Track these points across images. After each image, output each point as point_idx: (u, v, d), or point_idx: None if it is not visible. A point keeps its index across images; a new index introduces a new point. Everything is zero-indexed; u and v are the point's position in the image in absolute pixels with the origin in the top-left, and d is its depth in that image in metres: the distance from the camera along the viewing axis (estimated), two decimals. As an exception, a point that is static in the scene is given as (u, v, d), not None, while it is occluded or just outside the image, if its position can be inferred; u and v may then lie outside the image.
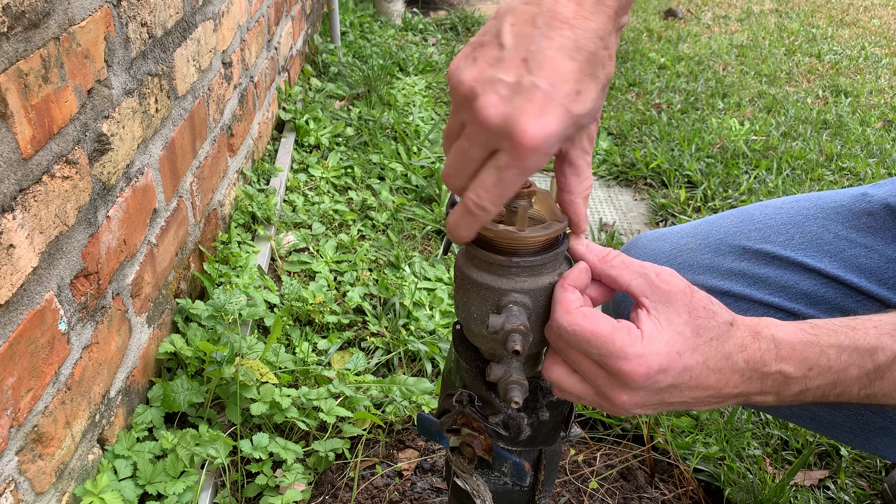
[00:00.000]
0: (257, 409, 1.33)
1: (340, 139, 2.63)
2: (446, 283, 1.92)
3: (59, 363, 1.04)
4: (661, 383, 0.55)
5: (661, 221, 2.44)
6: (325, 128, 2.62)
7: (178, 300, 1.54)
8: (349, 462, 1.38)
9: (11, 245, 0.89)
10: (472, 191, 0.55)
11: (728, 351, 0.57)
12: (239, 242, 1.87)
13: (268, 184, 2.19)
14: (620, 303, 1.04)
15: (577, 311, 0.56)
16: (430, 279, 1.93)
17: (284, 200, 2.21)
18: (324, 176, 2.37)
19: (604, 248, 0.61)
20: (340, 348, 1.66)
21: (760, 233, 0.97)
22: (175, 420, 1.37)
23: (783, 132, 3.09)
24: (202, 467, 1.27)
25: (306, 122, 2.60)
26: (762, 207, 1.01)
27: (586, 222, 0.64)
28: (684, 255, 1.00)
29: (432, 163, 2.52)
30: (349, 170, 2.45)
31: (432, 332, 1.72)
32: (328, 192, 2.32)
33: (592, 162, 0.65)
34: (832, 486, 1.40)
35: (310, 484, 1.32)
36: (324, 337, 1.68)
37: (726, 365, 0.56)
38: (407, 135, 2.71)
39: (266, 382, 1.37)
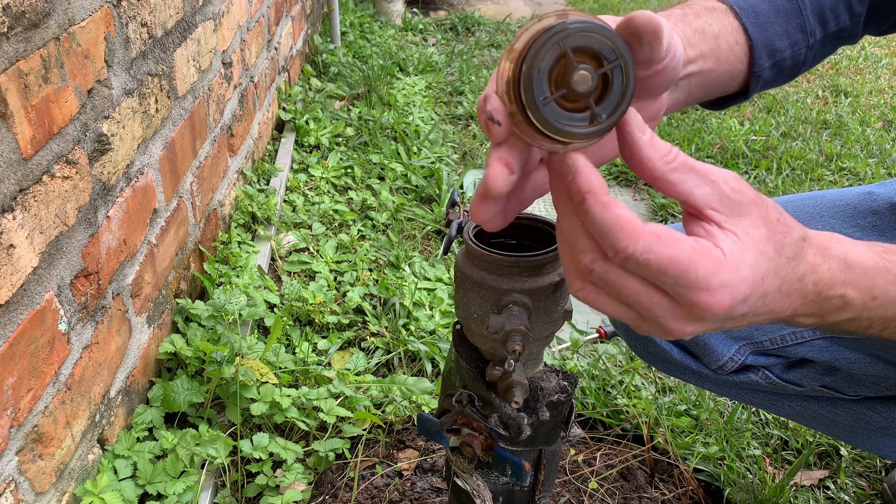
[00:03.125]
0: (257, 409, 1.33)
1: (340, 139, 2.63)
2: (446, 283, 1.92)
3: (59, 363, 1.04)
4: (737, 313, 0.47)
5: (662, 221, 2.44)
6: (325, 128, 2.62)
7: (178, 300, 1.54)
8: (349, 462, 1.38)
9: (11, 245, 0.89)
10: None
11: (802, 273, 0.49)
12: (239, 242, 1.87)
13: (268, 184, 2.19)
14: None
15: (648, 232, 0.44)
16: (430, 279, 1.93)
17: (284, 200, 2.21)
18: (324, 176, 2.37)
19: (666, 143, 0.47)
20: (340, 348, 1.66)
21: None
22: (175, 420, 1.37)
23: (783, 132, 3.09)
24: (202, 467, 1.27)
25: (306, 122, 2.60)
26: None
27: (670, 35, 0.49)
28: None
29: (432, 163, 2.52)
30: (349, 170, 2.45)
31: (432, 332, 1.72)
32: (328, 192, 2.32)
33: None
34: (832, 486, 1.40)
35: (310, 484, 1.32)
36: (324, 337, 1.68)
37: (797, 288, 0.49)
38: (407, 135, 2.71)
39: (266, 382, 1.37)
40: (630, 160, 0.47)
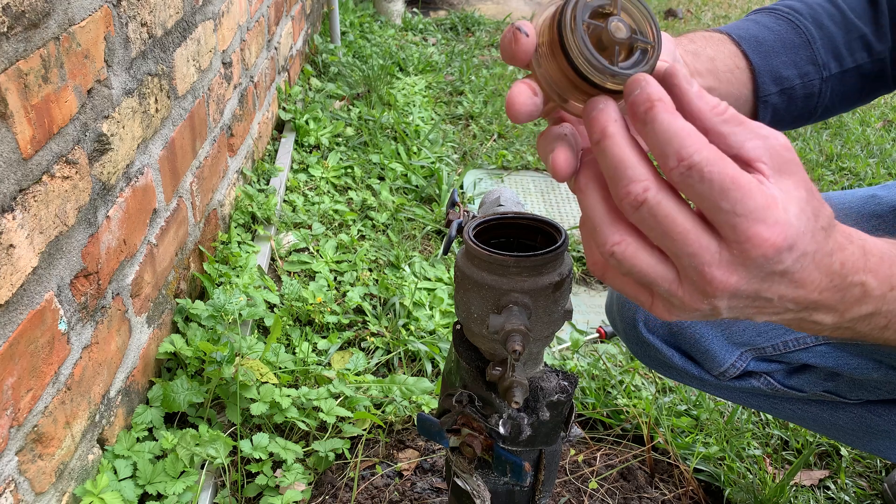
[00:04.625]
0: (257, 409, 1.33)
1: (340, 139, 2.63)
2: (446, 283, 1.91)
3: (58, 363, 1.04)
4: (781, 265, 0.45)
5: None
6: (325, 128, 2.62)
7: (178, 300, 1.54)
8: (349, 462, 1.38)
9: (11, 245, 0.89)
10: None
11: (831, 248, 0.48)
12: (239, 242, 1.87)
13: (268, 184, 2.19)
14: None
15: (713, 148, 0.43)
16: (430, 279, 1.93)
17: (284, 200, 2.21)
18: (324, 176, 2.37)
19: (712, 96, 0.46)
20: (340, 348, 1.66)
21: None
22: (175, 420, 1.37)
23: (783, 132, 3.08)
24: (202, 467, 1.27)
25: (306, 122, 2.60)
26: None
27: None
28: None
29: (432, 163, 2.52)
30: (349, 170, 2.45)
31: (432, 332, 1.72)
32: (328, 192, 2.32)
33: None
34: (832, 486, 1.40)
35: (310, 484, 1.32)
36: (324, 337, 1.68)
37: (826, 263, 0.48)
38: (407, 135, 2.71)
39: (266, 382, 1.37)
40: (680, 114, 0.45)
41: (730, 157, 0.44)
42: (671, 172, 0.44)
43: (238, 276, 1.69)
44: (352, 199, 2.31)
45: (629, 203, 0.45)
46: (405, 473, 1.38)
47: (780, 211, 0.43)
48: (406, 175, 2.46)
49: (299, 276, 1.91)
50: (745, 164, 0.44)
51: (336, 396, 1.43)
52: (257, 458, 1.29)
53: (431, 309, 1.80)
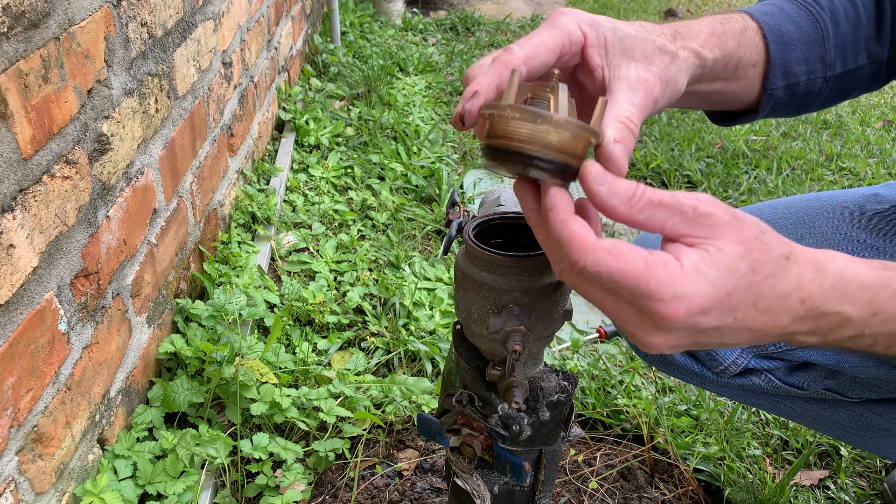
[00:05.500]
0: (257, 409, 1.33)
1: (340, 139, 2.63)
2: (446, 283, 1.91)
3: (59, 363, 1.04)
4: (701, 325, 0.48)
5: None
6: (325, 128, 2.62)
7: (178, 300, 1.54)
8: (349, 462, 1.38)
9: (11, 245, 0.89)
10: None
11: (784, 290, 0.49)
12: (239, 242, 1.87)
13: (268, 184, 2.19)
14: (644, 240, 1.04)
15: (598, 247, 0.47)
16: (430, 279, 1.93)
17: (284, 200, 2.21)
18: (324, 176, 2.37)
19: (629, 184, 0.49)
20: (340, 348, 1.66)
21: None
22: (175, 420, 1.37)
23: (783, 132, 3.09)
24: (202, 467, 1.27)
25: (306, 122, 2.60)
26: (771, 206, 1.01)
27: (616, 161, 0.52)
28: None
29: (432, 163, 2.52)
30: (349, 170, 2.45)
31: (432, 332, 1.72)
32: (328, 192, 2.32)
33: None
34: (832, 486, 1.40)
35: (310, 484, 1.32)
36: (324, 337, 1.68)
37: (779, 305, 0.49)
38: (407, 135, 2.71)
39: (266, 382, 1.37)
40: (597, 209, 0.51)
41: (661, 235, 0.49)
42: (570, 275, 0.50)
43: (238, 276, 1.69)
44: (352, 199, 2.31)
45: (564, 276, 0.52)
46: (405, 473, 1.39)
47: (682, 284, 0.46)
48: (406, 175, 2.46)
49: (299, 276, 1.91)
50: (671, 240, 0.49)
51: (336, 396, 1.43)
52: (257, 458, 1.29)
53: (431, 309, 1.80)
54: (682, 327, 0.47)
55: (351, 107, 2.90)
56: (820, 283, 0.51)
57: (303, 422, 1.37)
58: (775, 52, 0.73)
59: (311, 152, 2.53)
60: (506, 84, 0.54)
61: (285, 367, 1.49)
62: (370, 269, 1.96)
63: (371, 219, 2.21)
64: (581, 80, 0.63)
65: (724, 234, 0.48)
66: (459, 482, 0.79)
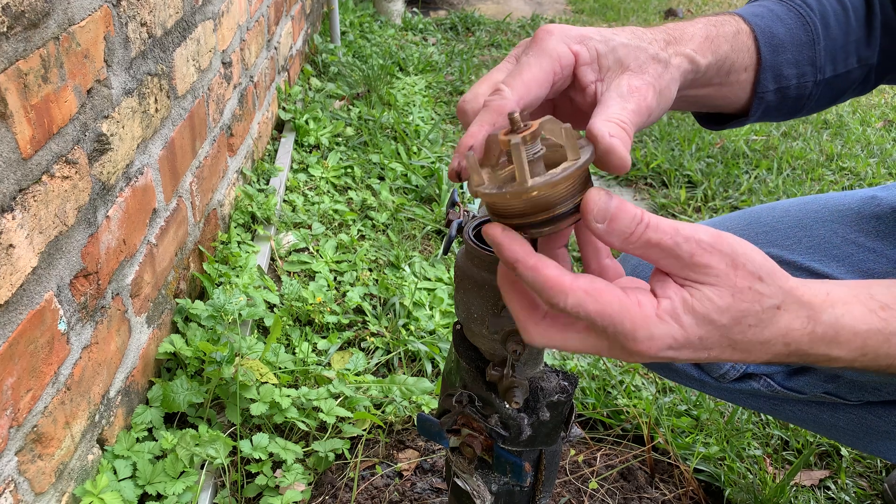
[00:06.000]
0: (257, 409, 1.32)
1: (340, 139, 2.63)
2: (446, 283, 1.91)
3: (58, 363, 1.04)
4: (675, 357, 0.50)
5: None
6: (324, 128, 2.62)
7: (177, 300, 1.54)
8: (349, 462, 1.38)
9: (11, 245, 0.89)
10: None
11: (767, 338, 0.50)
12: (239, 242, 1.87)
13: (267, 184, 2.19)
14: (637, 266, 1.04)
15: (576, 287, 0.48)
16: (430, 279, 1.93)
17: (284, 200, 2.21)
18: (324, 176, 2.37)
19: (629, 221, 0.48)
20: (340, 348, 1.66)
21: (767, 236, 0.96)
22: (175, 420, 1.37)
23: (783, 132, 3.09)
24: (202, 467, 1.27)
25: (306, 122, 2.60)
26: (769, 209, 1.01)
27: (616, 152, 0.50)
28: None
29: (432, 163, 2.52)
30: (349, 170, 2.45)
31: (432, 332, 1.72)
32: (328, 192, 2.31)
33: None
34: (833, 486, 1.39)
35: (310, 484, 1.32)
36: (324, 337, 1.67)
37: (759, 348, 0.51)
38: (407, 135, 2.71)
39: (266, 383, 1.37)
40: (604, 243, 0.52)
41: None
42: (554, 310, 0.50)
43: (238, 276, 1.69)
44: (352, 198, 2.30)
45: (533, 336, 0.53)
46: (405, 474, 1.38)
47: (657, 326, 0.47)
48: (406, 175, 2.46)
49: (299, 276, 1.91)
50: (663, 274, 0.50)
51: (336, 396, 1.43)
52: (257, 458, 1.29)
53: (431, 309, 1.80)
54: (656, 357, 0.49)
55: (351, 107, 2.90)
56: (810, 330, 0.51)
57: (303, 422, 1.37)
58: (767, 55, 0.72)
59: (310, 152, 2.52)
60: (499, 127, 0.53)
61: (285, 368, 1.49)
62: (370, 269, 1.96)
63: (371, 219, 2.21)
64: (572, 95, 0.61)
65: (716, 284, 0.48)
66: (459, 482, 0.79)
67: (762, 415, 1.55)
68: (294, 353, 1.57)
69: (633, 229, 0.48)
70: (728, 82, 0.71)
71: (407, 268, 1.96)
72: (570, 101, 0.62)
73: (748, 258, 0.49)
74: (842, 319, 0.52)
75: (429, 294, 1.85)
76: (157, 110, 1.37)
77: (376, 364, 1.63)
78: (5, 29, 0.84)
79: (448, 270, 1.97)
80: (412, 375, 1.58)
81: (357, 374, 1.53)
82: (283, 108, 2.64)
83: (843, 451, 1.48)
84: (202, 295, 1.70)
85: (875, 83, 0.81)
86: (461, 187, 2.49)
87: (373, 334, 1.70)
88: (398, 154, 2.57)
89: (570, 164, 0.48)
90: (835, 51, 0.77)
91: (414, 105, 3.02)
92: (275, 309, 1.71)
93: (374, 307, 1.80)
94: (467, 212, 0.74)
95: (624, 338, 0.48)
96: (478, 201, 2.37)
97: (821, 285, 0.53)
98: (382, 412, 1.47)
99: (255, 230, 1.98)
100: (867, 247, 0.89)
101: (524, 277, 0.49)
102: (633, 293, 0.48)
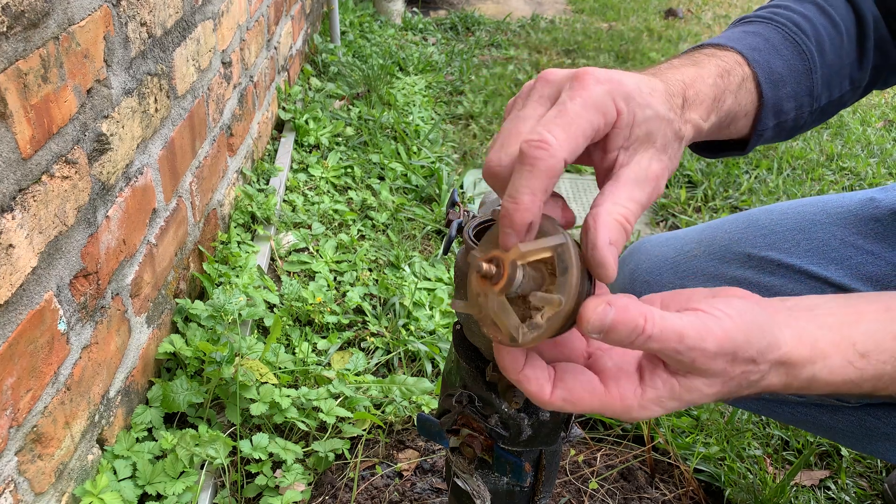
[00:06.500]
0: (257, 409, 1.32)
1: (340, 139, 2.63)
2: (446, 283, 1.91)
3: (58, 363, 1.03)
4: (656, 414, 0.52)
5: (662, 221, 2.44)
6: (324, 127, 2.62)
7: (177, 300, 1.54)
8: (349, 462, 1.38)
9: (11, 245, 0.89)
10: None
11: (746, 393, 0.52)
12: (238, 242, 1.87)
13: (267, 184, 2.19)
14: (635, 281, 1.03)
15: (554, 399, 0.49)
16: (430, 279, 1.93)
17: (284, 200, 2.20)
18: (324, 176, 2.37)
19: (627, 333, 0.45)
20: (340, 348, 1.66)
21: (766, 239, 0.96)
22: (174, 420, 1.37)
23: (783, 132, 3.08)
24: (202, 468, 1.27)
25: (306, 122, 2.60)
26: (768, 212, 1.00)
27: (609, 267, 0.47)
28: (688, 263, 0.99)
29: (432, 163, 2.52)
30: (349, 170, 2.45)
31: (432, 332, 1.72)
32: (328, 191, 2.31)
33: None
34: (833, 487, 1.39)
35: (310, 484, 1.32)
36: (324, 337, 1.67)
37: (736, 395, 0.52)
38: (407, 134, 2.71)
39: (266, 383, 1.37)
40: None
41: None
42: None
43: (238, 276, 1.69)
44: (352, 198, 2.30)
45: None
46: (405, 474, 1.38)
47: (639, 412, 0.49)
48: (406, 175, 2.46)
49: (299, 276, 1.91)
50: (654, 359, 0.50)
51: (336, 397, 1.43)
52: (257, 458, 1.29)
53: (431, 309, 1.80)
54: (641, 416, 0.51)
55: (351, 106, 2.90)
56: (787, 383, 0.52)
57: (302, 422, 1.37)
58: (768, 94, 0.70)
59: (310, 152, 2.52)
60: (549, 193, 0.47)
61: (285, 368, 1.49)
62: (370, 269, 1.96)
63: (371, 219, 2.21)
64: (591, 150, 0.55)
65: (710, 376, 0.48)
66: (459, 483, 0.79)
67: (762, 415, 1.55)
68: (294, 354, 1.57)
69: (633, 340, 0.45)
70: (727, 131, 0.69)
71: (407, 268, 1.96)
72: (587, 154, 0.56)
73: (749, 345, 0.48)
74: (818, 374, 0.52)
75: (429, 294, 1.85)
76: (156, 110, 1.37)
77: (376, 364, 1.63)
78: (5, 29, 0.84)
79: (448, 270, 1.97)
80: (412, 375, 1.58)
81: (357, 374, 1.53)
82: (283, 108, 2.64)
83: (844, 451, 1.48)
84: (202, 295, 1.70)
85: (860, 97, 0.81)
86: (461, 187, 2.49)
87: (373, 334, 1.70)
88: (398, 154, 2.57)
89: (554, 313, 0.45)
90: (830, 77, 0.75)
91: (414, 105, 3.02)
92: (275, 309, 1.71)
93: (374, 307, 1.80)
94: (467, 212, 0.74)
95: (611, 415, 0.50)
96: (478, 201, 2.37)
97: (812, 331, 0.52)
98: (382, 412, 1.47)
99: (255, 230, 1.98)
100: (866, 249, 0.88)
101: (511, 381, 0.51)
102: (615, 386, 0.49)
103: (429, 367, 1.61)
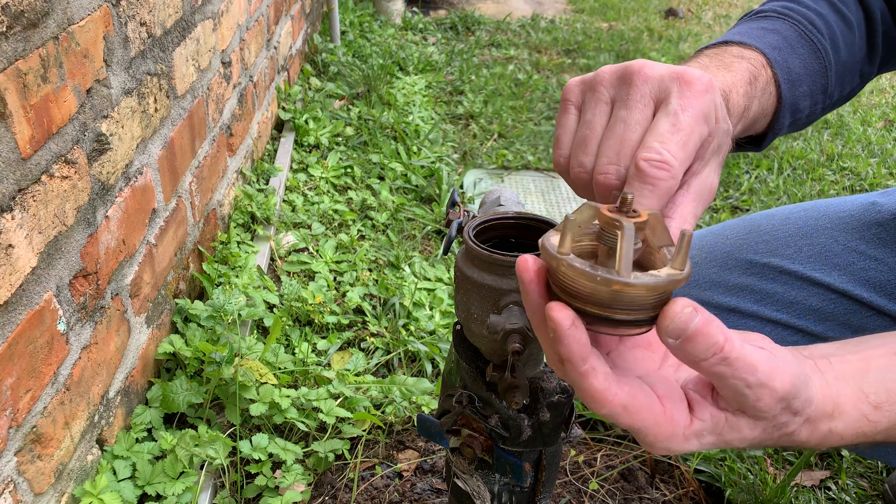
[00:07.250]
0: (257, 409, 1.32)
1: (340, 139, 2.63)
2: (446, 283, 1.91)
3: (57, 363, 1.03)
4: (692, 448, 0.50)
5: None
6: (324, 127, 2.62)
7: (177, 300, 1.54)
8: (349, 463, 1.38)
9: (10, 245, 0.88)
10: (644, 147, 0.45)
11: (771, 445, 0.51)
12: (238, 242, 1.87)
13: (267, 184, 2.19)
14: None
15: (615, 403, 0.46)
16: (430, 279, 1.93)
17: (284, 200, 2.20)
18: (323, 176, 2.37)
19: (705, 348, 0.43)
20: (340, 349, 1.66)
21: (767, 245, 0.96)
22: (174, 421, 1.37)
23: (783, 132, 3.08)
24: (201, 468, 1.27)
25: (306, 122, 2.59)
26: (769, 217, 1.00)
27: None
28: None
29: (432, 162, 2.52)
30: (349, 170, 2.44)
31: (432, 333, 1.72)
32: (328, 191, 2.31)
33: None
34: (833, 487, 1.39)
35: (309, 485, 1.31)
36: (323, 337, 1.67)
37: (766, 445, 0.51)
38: (407, 134, 2.71)
39: (265, 383, 1.37)
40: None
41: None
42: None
43: (237, 277, 1.69)
44: (351, 198, 2.30)
45: None
46: (405, 474, 1.38)
47: (680, 444, 0.46)
48: (406, 175, 2.46)
49: (299, 276, 1.91)
50: (706, 389, 0.48)
51: (336, 397, 1.43)
52: (257, 458, 1.29)
53: (431, 309, 1.80)
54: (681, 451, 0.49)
55: (350, 106, 2.90)
56: (809, 437, 0.51)
57: (302, 422, 1.37)
58: (786, 94, 0.70)
59: (310, 152, 2.52)
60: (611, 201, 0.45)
61: (285, 368, 1.49)
62: (370, 270, 1.96)
63: (371, 219, 2.21)
64: None
65: (760, 418, 0.47)
66: (459, 483, 0.79)
67: (762, 415, 1.55)
68: (294, 354, 1.57)
69: (708, 357, 0.43)
70: (747, 132, 0.70)
71: (407, 268, 1.96)
72: None
73: (798, 395, 0.47)
74: (835, 429, 0.52)
75: (429, 294, 1.85)
76: (156, 110, 1.37)
77: (376, 364, 1.63)
78: (5, 29, 0.84)
79: (448, 270, 1.97)
80: (412, 376, 1.58)
81: (357, 375, 1.53)
82: (283, 108, 2.64)
83: (844, 452, 1.48)
84: (202, 295, 1.70)
85: (861, 88, 0.82)
86: (461, 187, 2.49)
87: (373, 334, 1.70)
88: (398, 154, 2.57)
89: (676, 274, 0.42)
90: (843, 73, 0.76)
91: (414, 105, 3.02)
92: (274, 309, 1.71)
93: (374, 307, 1.80)
94: (467, 212, 0.74)
95: (643, 439, 0.47)
96: (478, 201, 2.37)
97: (832, 384, 0.51)
98: (382, 413, 1.46)
99: (255, 230, 1.98)
100: (868, 254, 0.88)
101: (569, 379, 0.46)
102: (671, 407, 0.47)
103: (429, 368, 1.61)
